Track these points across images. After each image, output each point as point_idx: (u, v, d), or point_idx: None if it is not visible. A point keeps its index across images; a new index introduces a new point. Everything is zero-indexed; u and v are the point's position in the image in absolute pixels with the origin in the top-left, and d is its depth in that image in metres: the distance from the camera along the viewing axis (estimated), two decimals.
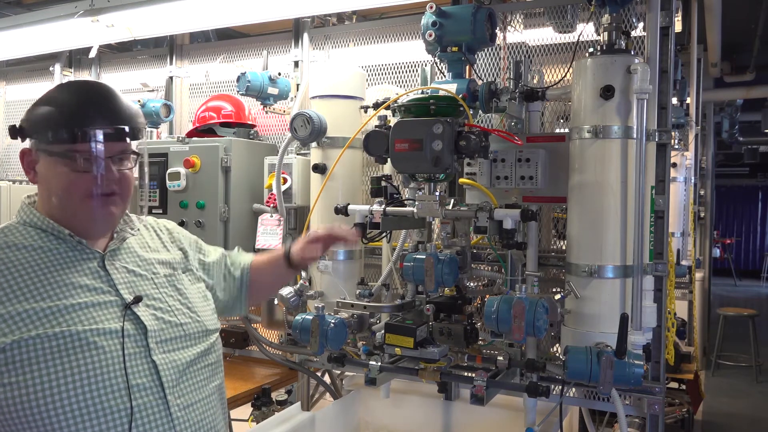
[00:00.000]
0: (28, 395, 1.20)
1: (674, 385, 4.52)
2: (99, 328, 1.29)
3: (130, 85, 3.83)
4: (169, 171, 3.00)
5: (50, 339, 1.23)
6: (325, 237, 1.84)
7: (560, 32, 2.59)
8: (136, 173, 1.46)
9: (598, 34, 2.22)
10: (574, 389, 2.37)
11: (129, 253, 1.46)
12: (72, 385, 1.23)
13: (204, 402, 1.44)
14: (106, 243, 1.43)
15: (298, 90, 3.04)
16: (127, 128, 1.36)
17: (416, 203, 2.18)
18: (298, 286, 2.64)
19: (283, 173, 2.91)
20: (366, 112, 2.66)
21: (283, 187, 2.91)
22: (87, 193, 1.34)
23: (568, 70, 2.22)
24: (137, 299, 1.37)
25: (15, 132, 1.38)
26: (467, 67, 2.33)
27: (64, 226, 1.37)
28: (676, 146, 4.84)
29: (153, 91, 3.70)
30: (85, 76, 3.99)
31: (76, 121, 1.31)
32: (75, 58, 4.02)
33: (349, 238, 1.88)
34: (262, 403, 2.86)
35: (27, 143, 1.38)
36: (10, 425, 1.21)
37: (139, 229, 1.54)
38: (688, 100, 5.17)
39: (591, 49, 2.14)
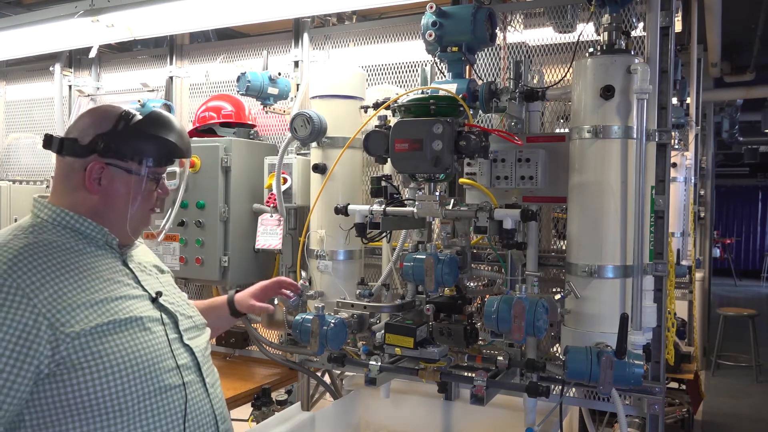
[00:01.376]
0: (107, 377, 1.29)
1: (674, 385, 4.52)
2: (149, 316, 1.43)
3: (130, 85, 3.82)
4: (168, 171, 2.99)
5: (122, 324, 1.35)
6: (272, 286, 2.04)
7: (560, 32, 2.59)
8: None
9: (598, 34, 2.22)
10: (574, 389, 2.37)
11: (136, 255, 1.58)
12: (143, 365, 1.35)
13: (218, 383, 1.61)
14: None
15: (298, 90, 3.04)
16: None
17: (416, 203, 2.17)
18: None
19: (283, 173, 2.91)
20: (366, 112, 2.66)
21: (283, 187, 2.91)
22: (153, 206, 1.54)
23: (568, 70, 2.22)
24: (159, 294, 1.50)
25: (90, 147, 1.42)
26: (467, 67, 2.33)
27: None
28: (676, 146, 4.84)
29: (153, 91, 3.70)
30: (85, 76, 3.99)
31: (169, 152, 1.50)
32: (75, 58, 4.02)
33: (295, 286, 2.09)
34: (262, 403, 2.86)
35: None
36: (85, 409, 1.28)
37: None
38: (688, 100, 5.18)
39: (591, 49, 2.14)
